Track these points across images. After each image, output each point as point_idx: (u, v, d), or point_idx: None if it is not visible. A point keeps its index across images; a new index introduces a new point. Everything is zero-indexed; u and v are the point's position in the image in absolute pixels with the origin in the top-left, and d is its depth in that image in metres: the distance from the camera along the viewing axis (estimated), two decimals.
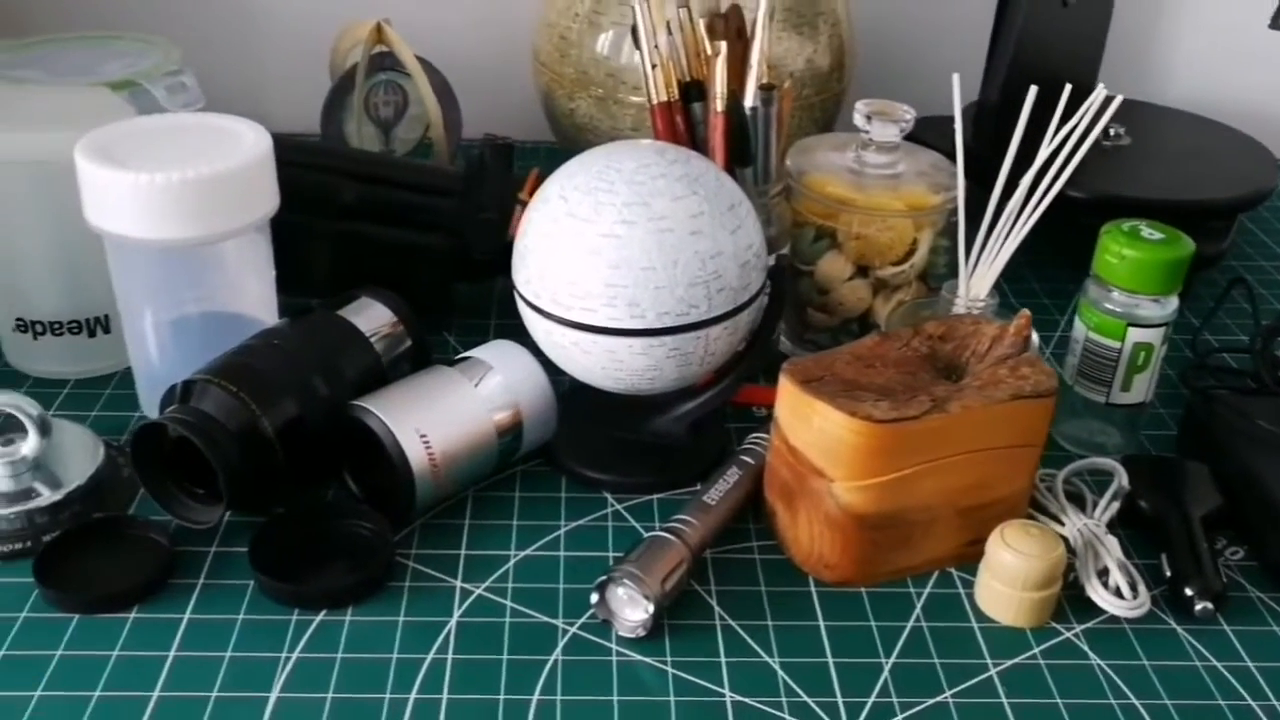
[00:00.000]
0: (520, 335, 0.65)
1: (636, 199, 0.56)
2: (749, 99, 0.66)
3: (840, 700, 0.51)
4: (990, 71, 0.87)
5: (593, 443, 0.65)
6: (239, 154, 0.61)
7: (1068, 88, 0.65)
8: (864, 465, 0.54)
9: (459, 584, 0.57)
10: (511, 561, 0.58)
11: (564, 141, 0.89)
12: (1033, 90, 0.64)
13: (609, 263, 0.56)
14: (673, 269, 0.56)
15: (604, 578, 0.54)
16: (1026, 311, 0.59)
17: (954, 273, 0.69)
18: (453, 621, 0.55)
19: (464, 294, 0.78)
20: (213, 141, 0.62)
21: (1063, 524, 0.59)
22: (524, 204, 0.72)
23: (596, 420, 0.66)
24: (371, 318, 0.64)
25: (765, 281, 0.60)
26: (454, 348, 0.75)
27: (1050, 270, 0.86)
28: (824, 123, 0.86)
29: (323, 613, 0.55)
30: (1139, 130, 0.89)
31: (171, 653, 0.53)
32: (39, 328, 0.69)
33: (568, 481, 0.64)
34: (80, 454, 0.62)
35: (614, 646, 0.54)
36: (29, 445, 0.59)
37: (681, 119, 0.68)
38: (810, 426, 0.55)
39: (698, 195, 0.57)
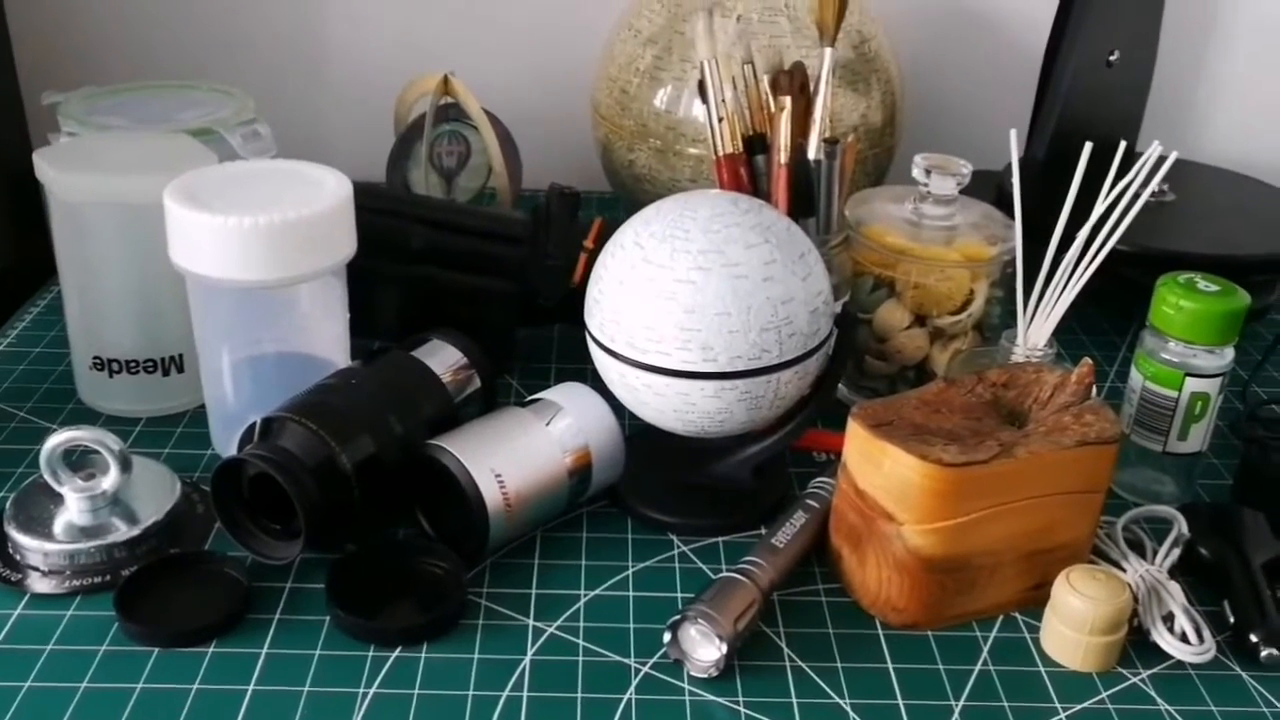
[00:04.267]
0: (580, 379, 0.67)
1: (711, 246, 0.58)
2: (813, 151, 0.68)
3: None
4: (1036, 128, 0.89)
5: (657, 486, 0.66)
6: (321, 199, 0.63)
7: (1122, 145, 0.66)
8: (933, 508, 0.55)
9: (531, 622, 0.58)
10: (582, 601, 0.59)
11: (621, 191, 0.91)
12: (1088, 147, 0.65)
13: (684, 307, 0.57)
14: (746, 314, 0.57)
15: (677, 617, 0.55)
16: (1089, 360, 0.60)
17: (1008, 322, 0.71)
18: (526, 659, 0.55)
19: (525, 339, 0.80)
20: (295, 187, 0.64)
21: (1124, 570, 0.59)
22: (589, 251, 0.74)
23: (661, 464, 0.67)
24: (443, 359, 0.66)
25: (832, 328, 0.62)
26: (517, 391, 0.76)
27: (1096, 322, 0.87)
28: (876, 175, 0.88)
29: (398, 649, 0.56)
30: (1182, 186, 0.90)
31: (251, 686, 0.53)
32: (115, 366, 0.71)
33: (633, 523, 0.65)
34: (157, 490, 0.63)
35: (686, 686, 0.54)
36: (109, 480, 0.61)
37: (745, 171, 0.70)
38: (880, 470, 0.56)
39: (770, 243, 0.58)
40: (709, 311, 0.57)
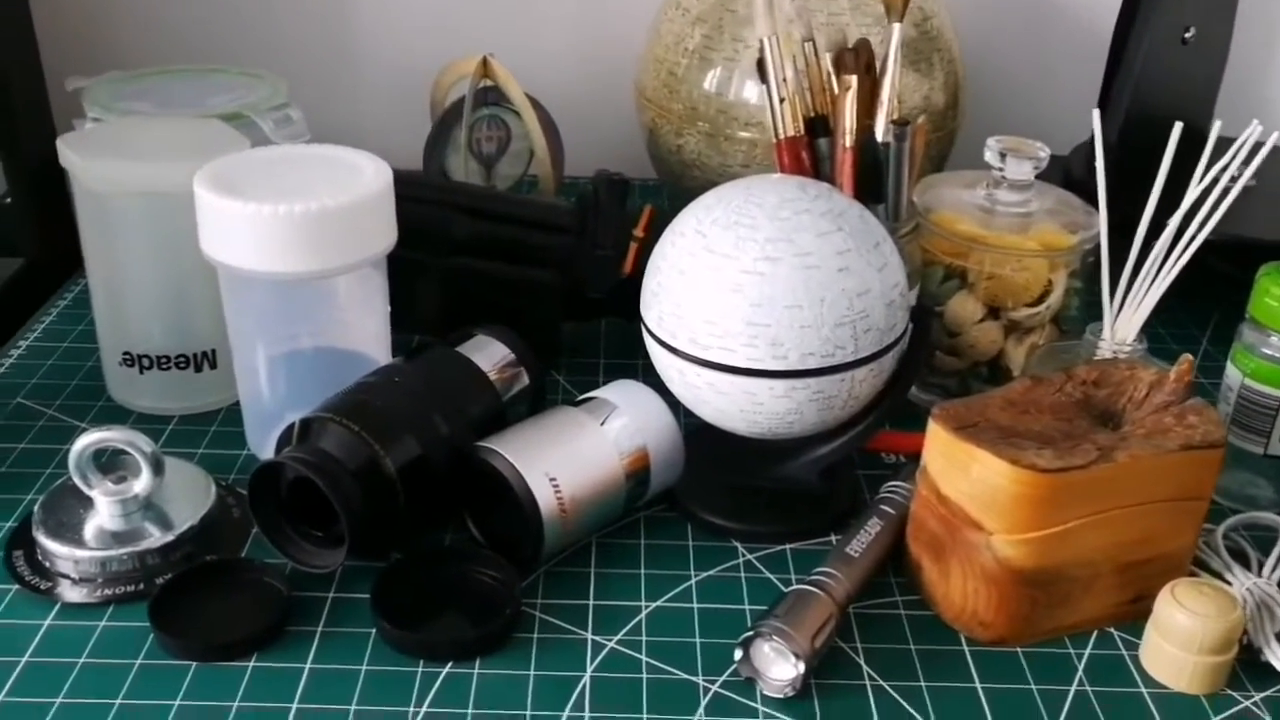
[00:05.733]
0: (630, 375, 0.63)
1: (780, 235, 0.54)
2: (881, 133, 0.64)
3: None
4: (1107, 110, 0.85)
5: (719, 488, 0.62)
6: (360, 186, 0.59)
7: (1216, 125, 0.62)
8: (1026, 517, 0.51)
9: (590, 636, 0.54)
10: (643, 613, 0.55)
11: (668, 179, 0.87)
12: (1178, 127, 0.61)
13: (751, 300, 0.53)
14: (819, 307, 0.53)
15: (749, 633, 0.51)
16: (1188, 356, 0.56)
17: (1087, 315, 0.66)
18: (586, 676, 0.52)
19: (571, 333, 0.76)
20: (332, 173, 0.61)
21: (1229, 582, 0.55)
22: (639, 240, 0.70)
23: (722, 465, 0.63)
24: (489, 355, 0.62)
25: (909, 322, 0.58)
26: (564, 388, 0.72)
27: (1174, 314, 0.82)
28: (938, 160, 0.84)
29: (449, 664, 0.52)
30: (1261, 171, 0.85)
31: (294, 705, 0.50)
32: (145, 362, 0.67)
33: (694, 529, 0.61)
34: (191, 493, 0.60)
35: (760, 707, 0.50)
36: (141, 484, 0.57)
37: (807, 155, 0.66)
38: (967, 476, 0.52)
39: (843, 231, 0.54)
40: (778, 304, 0.53)
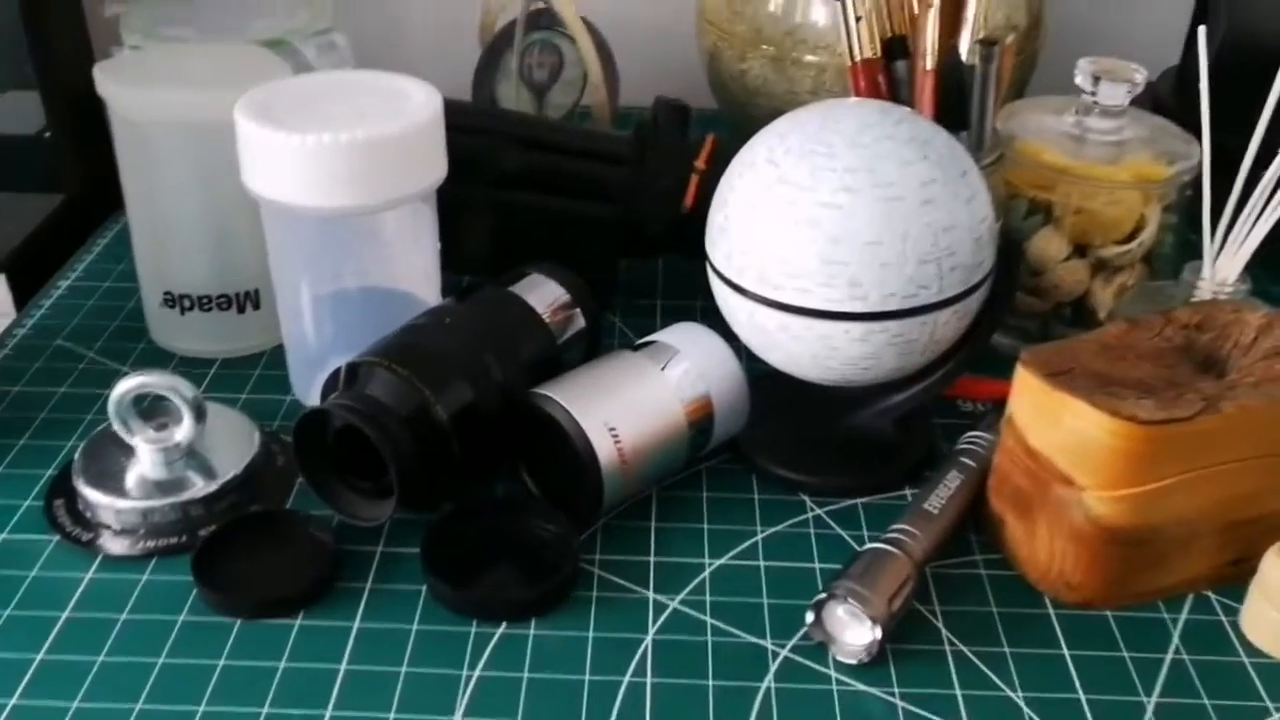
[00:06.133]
0: (690, 317, 0.59)
1: (860, 164, 0.50)
2: (965, 54, 0.59)
3: None
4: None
5: (786, 438, 0.59)
6: (409, 115, 0.56)
7: None
8: (1123, 473, 0.47)
9: (651, 595, 0.51)
10: (707, 571, 0.52)
11: (730, 107, 0.82)
12: None
13: (828, 236, 0.49)
14: (901, 244, 0.49)
15: (822, 595, 0.48)
16: None
17: (1181, 254, 0.62)
18: (648, 639, 0.49)
19: (626, 271, 0.72)
20: (380, 101, 0.57)
21: None
22: (701, 173, 0.66)
23: (790, 413, 0.59)
24: (544, 296, 0.59)
25: (995, 260, 0.53)
26: (621, 331, 0.69)
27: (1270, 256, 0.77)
28: (1019, 85, 0.78)
29: (504, 625, 0.50)
30: None
31: (343, 666, 0.48)
32: (186, 302, 0.65)
33: (759, 481, 0.57)
34: (234, 441, 0.57)
35: (833, 673, 0.48)
36: (183, 431, 0.55)
37: (884, 79, 0.61)
38: (1059, 426, 0.48)
39: (929, 160, 0.50)
40: (858, 240, 0.49)
